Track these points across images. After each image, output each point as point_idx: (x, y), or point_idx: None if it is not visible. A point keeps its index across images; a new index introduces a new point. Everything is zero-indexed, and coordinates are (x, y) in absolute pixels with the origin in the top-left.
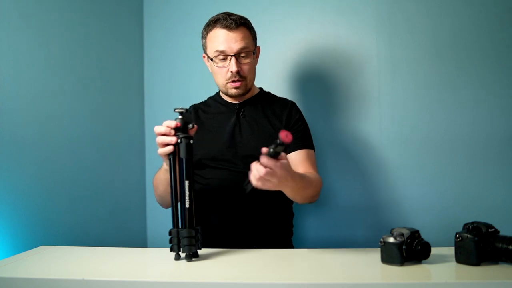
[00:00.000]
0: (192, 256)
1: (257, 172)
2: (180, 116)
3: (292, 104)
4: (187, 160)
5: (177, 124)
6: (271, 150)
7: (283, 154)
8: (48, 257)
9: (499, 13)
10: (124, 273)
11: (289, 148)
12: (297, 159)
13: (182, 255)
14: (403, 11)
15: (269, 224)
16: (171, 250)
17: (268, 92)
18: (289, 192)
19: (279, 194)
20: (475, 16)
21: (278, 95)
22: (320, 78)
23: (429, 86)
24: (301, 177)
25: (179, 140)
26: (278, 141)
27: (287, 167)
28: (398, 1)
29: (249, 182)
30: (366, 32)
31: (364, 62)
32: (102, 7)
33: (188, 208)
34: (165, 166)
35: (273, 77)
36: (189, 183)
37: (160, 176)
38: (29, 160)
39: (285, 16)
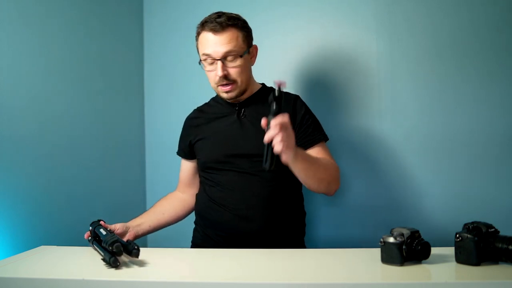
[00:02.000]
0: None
1: (272, 133)
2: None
3: (296, 98)
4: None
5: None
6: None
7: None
8: (48, 257)
9: (499, 13)
10: (124, 273)
11: (302, 146)
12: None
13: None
14: (403, 11)
15: (281, 223)
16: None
17: (271, 88)
18: (299, 169)
19: (290, 190)
20: (475, 16)
21: None
22: (320, 78)
23: (429, 86)
24: (309, 155)
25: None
26: (276, 89)
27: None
28: (398, 1)
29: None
30: (366, 32)
31: (364, 62)
32: (102, 7)
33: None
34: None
35: (273, 77)
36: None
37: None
38: (29, 160)
39: (285, 16)
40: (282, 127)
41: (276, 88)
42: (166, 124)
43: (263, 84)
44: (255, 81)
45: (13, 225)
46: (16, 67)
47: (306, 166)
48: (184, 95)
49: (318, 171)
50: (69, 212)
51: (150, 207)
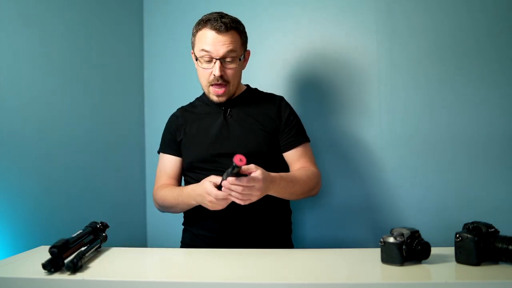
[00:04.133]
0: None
1: (235, 193)
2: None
3: (281, 99)
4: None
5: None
6: (225, 176)
7: (252, 165)
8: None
9: (499, 13)
10: (124, 273)
11: (286, 146)
12: (294, 157)
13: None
14: (403, 11)
15: (267, 222)
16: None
17: (255, 89)
18: (275, 194)
19: None
20: (475, 16)
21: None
22: (320, 79)
23: (429, 86)
24: (282, 178)
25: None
26: (233, 165)
27: (264, 176)
28: (398, 1)
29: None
30: (366, 32)
31: (364, 62)
32: (102, 7)
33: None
34: (194, 203)
35: (272, 77)
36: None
37: (182, 204)
38: (29, 160)
39: (285, 17)
40: (245, 192)
41: (235, 165)
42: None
43: (247, 85)
44: (241, 83)
45: (13, 225)
46: (16, 67)
47: (282, 191)
48: (184, 95)
49: (296, 190)
50: (69, 212)
51: (173, 192)
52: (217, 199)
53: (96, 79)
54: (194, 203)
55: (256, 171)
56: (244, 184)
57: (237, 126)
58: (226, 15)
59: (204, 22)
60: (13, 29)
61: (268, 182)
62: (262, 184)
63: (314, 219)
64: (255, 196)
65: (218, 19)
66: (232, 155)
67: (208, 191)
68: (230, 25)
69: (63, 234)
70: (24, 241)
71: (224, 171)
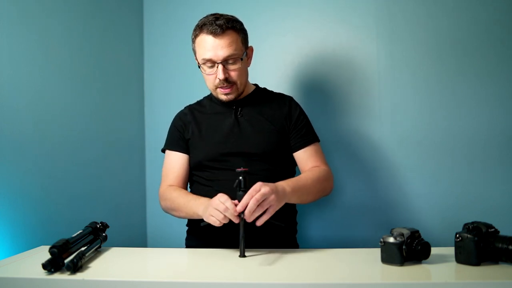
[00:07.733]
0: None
1: (252, 206)
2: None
3: (290, 99)
4: None
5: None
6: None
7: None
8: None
9: (498, 13)
10: (124, 273)
11: (296, 145)
12: (305, 156)
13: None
14: (403, 11)
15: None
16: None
17: (264, 88)
18: (294, 201)
19: None
20: (475, 16)
21: None
22: (320, 79)
23: (429, 86)
24: (295, 182)
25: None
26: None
27: (274, 189)
28: (398, 1)
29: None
30: (366, 32)
31: (364, 62)
32: (102, 7)
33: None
34: (200, 214)
35: (273, 77)
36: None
37: (189, 209)
38: (29, 160)
39: (285, 16)
40: (260, 199)
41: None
42: (166, 124)
43: (256, 85)
44: (249, 81)
45: (13, 225)
46: (16, 67)
47: (297, 197)
48: (184, 94)
49: (311, 192)
50: (69, 212)
51: (185, 196)
52: (226, 205)
53: (96, 79)
54: (200, 212)
55: (264, 189)
56: (253, 194)
57: (248, 125)
58: (221, 15)
59: (200, 28)
60: (13, 29)
61: (281, 192)
62: (269, 189)
63: (320, 219)
64: (274, 205)
65: (213, 22)
66: (243, 155)
67: (222, 199)
68: (225, 26)
69: (63, 234)
70: (24, 241)
71: (233, 170)
